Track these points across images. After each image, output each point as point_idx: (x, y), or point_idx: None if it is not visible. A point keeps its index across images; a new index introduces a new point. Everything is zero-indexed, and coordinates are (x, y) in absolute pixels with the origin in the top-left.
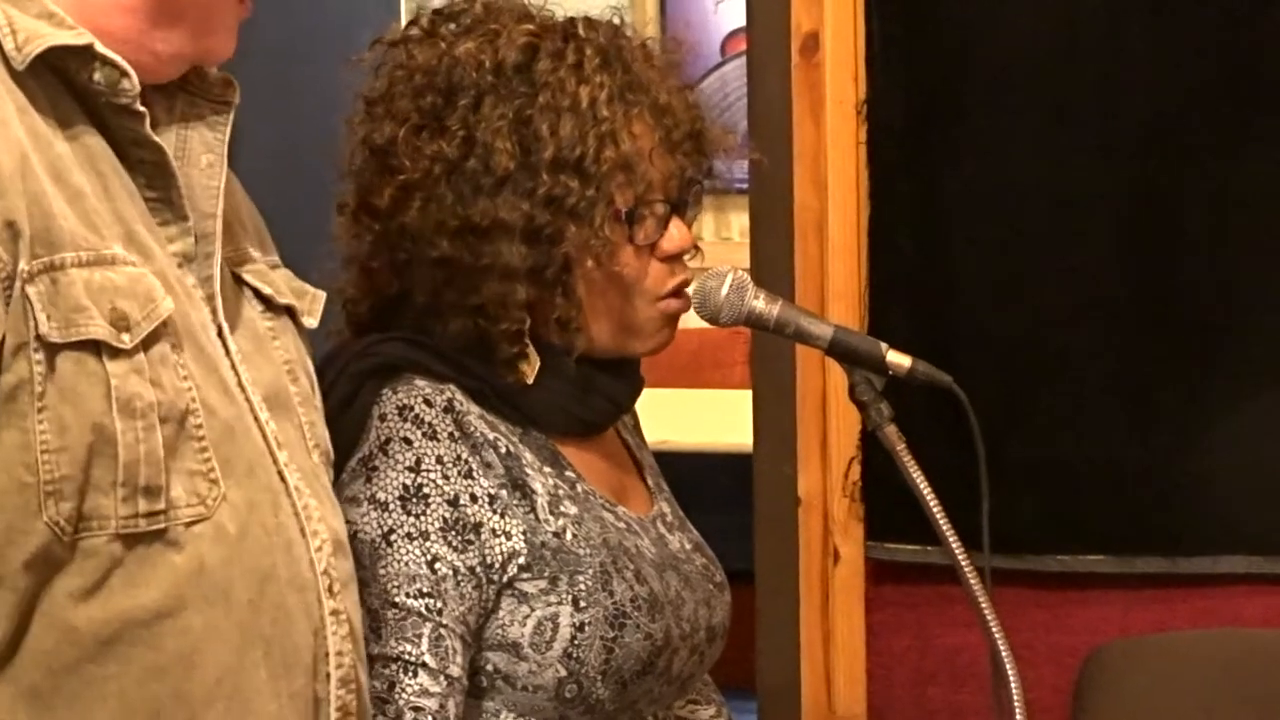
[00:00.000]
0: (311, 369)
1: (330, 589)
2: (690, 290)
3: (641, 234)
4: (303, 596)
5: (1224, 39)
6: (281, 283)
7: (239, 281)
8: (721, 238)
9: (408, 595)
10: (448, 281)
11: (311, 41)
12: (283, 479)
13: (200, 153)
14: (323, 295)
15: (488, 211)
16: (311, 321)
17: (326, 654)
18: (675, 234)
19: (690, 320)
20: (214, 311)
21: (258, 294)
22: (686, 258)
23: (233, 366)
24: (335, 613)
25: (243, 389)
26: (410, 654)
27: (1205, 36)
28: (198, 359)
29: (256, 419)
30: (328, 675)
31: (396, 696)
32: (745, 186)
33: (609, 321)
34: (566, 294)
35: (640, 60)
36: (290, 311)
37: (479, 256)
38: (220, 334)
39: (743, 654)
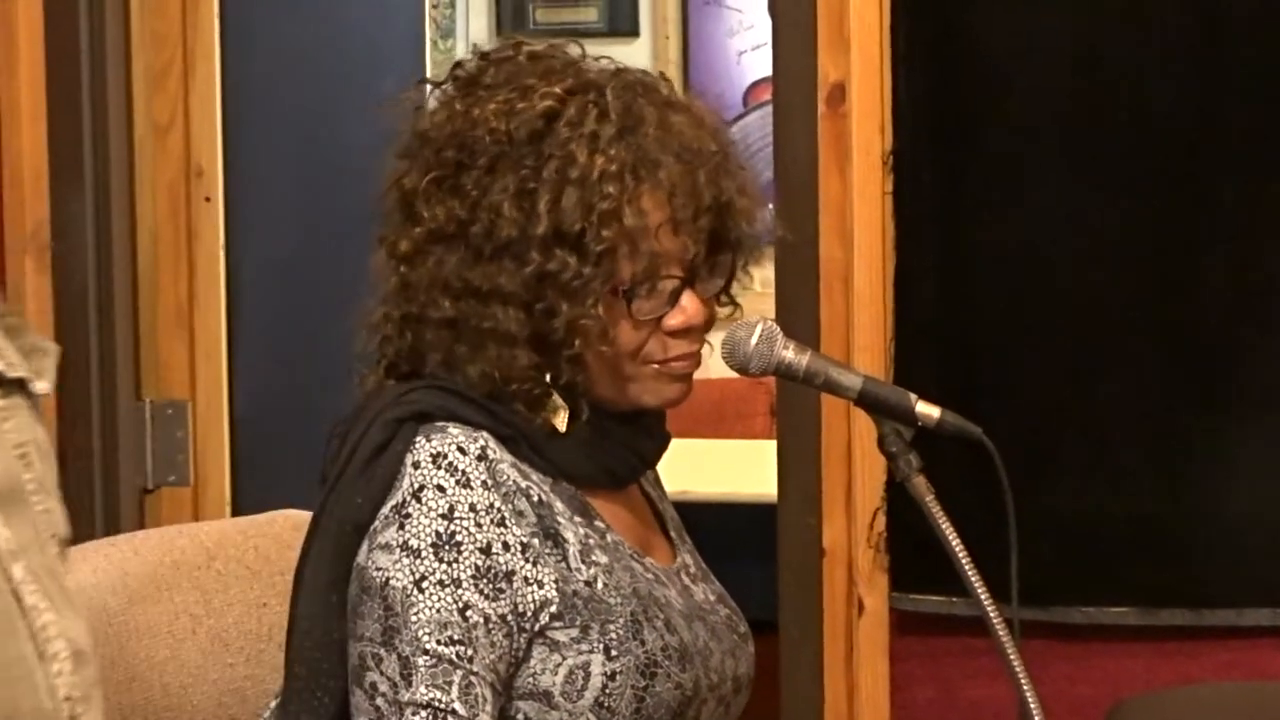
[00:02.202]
0: (48, 445)
1: (73, 715)
2: (720, 341)
3: (641, 310)
4: None
5: (1251, 84)
6: (10, 349)
7: None
8: (743, 288)
9: (439, 642)
10: (456, 339)
11: (337, 89)
12: (17, 597)
13: None
14: (55, 350)
15: (489, 276)
16: (44, 386)
17: None
18: (687, 309)
19: (713, 370)
20: None
21: None
22: (723, 314)
23: None
24: None
25: None
26: (440, 701)
27: (1233, 83)
28: None
29: None
30: None
31: None
32: (769, 238)
33: (612, 384)
34: (571, 360)
35: (656, 135)
36: (22, 384)
37: (482, 319)
38: None
39: (766, 705)
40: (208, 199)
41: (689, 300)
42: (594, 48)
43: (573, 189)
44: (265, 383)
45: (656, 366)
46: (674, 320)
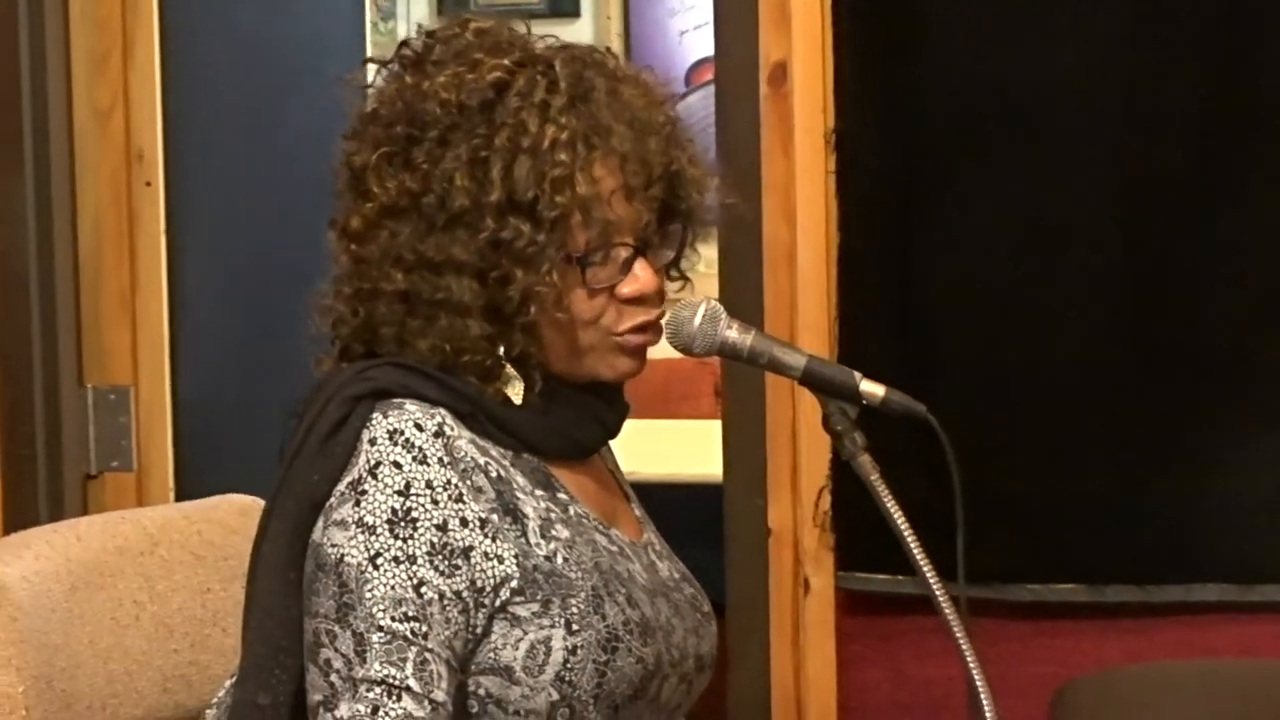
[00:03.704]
0: None
1: None
2: (663, 321)
3: (595, 278)
4: None
5: (1207, 64)
6: None
7: None
8: (691, 266)
9: (393, 619)
10: (409, 313)
11: (277, 73)
12: None
13: None
14: None
15: (442, 247)
16: None
17: None
18: (640, 276)
19: (658, 350)
20: None
21: None
22: (674, 289)
23: None
24: None
25: None
26: (394, 678)
27: (1194, 61)
28: None
29: None
30: None
31: None
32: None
33: (567, 354)
34: (525, 330)
35: (607, 104)
36: None
37: (435, 290)
38: None
39: (713, 686)
40: (149, 184)
41: (642, 268)
42: (535, 28)
43: (525, 157)
44: (208, 367)
45: (615, 338)
46: (627, 288)
